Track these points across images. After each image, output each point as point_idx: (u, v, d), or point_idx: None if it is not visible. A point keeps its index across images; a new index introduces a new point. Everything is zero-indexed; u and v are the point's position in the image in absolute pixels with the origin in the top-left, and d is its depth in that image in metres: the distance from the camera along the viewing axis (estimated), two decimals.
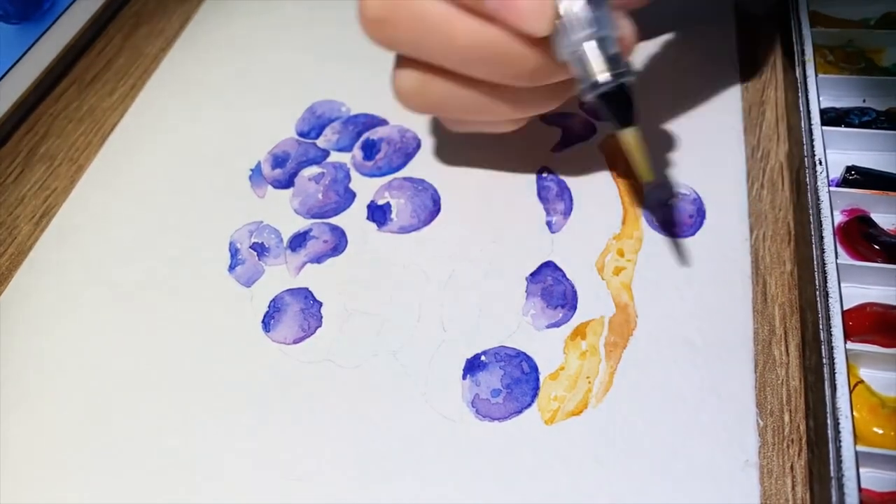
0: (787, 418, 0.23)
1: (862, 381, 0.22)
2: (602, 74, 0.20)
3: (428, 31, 0.22)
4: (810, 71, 0.28)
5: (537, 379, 0.25)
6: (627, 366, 0.24)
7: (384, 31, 0.23)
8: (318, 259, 0.29)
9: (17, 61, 0.36)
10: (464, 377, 0.25)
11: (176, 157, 0.34)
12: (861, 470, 0.20)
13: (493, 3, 0.20)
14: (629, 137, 0.21)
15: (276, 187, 0.32)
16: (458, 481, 0.23)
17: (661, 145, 0.30)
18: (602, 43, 0.20)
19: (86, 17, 0.40)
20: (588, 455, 0.23)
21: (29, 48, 0.37)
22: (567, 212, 0.29)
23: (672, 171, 0.30)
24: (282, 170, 0.33)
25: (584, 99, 0.21)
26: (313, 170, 0.32)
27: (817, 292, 0.23)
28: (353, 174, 0.32)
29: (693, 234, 0.28)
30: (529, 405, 0.24)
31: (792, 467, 0.22)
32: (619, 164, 0.30)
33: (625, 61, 0.20)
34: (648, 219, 0.28)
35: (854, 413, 0.21)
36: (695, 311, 0.25)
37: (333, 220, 0.30)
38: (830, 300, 0.22)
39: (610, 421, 0.23)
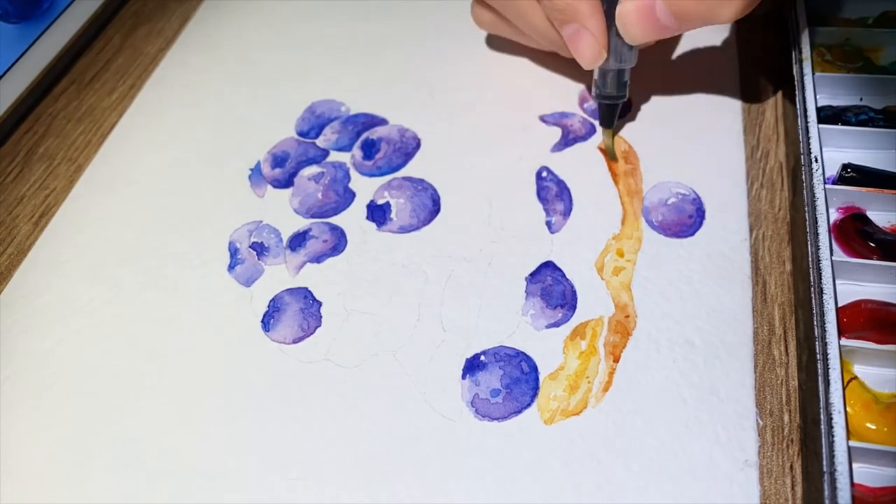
0: (786, 418, 0.23)
1: (856, 378, 0.22)
2: (613, 91, 0.29)
3: (515, 8, 0.30)
4: (807, 69, 0.28)
5: (537, 379, 0.25)
6: (627, 366, 0.24)
7: None
8: (318, 259, 0.29)
9: (17, 61, 0.36)
10: (463, 377, 0.25)
11: (175, 157, 0.34)
12: (854, 465, 0.20)
13: (568, 32, 0.27)
14: (608, 133, 0.31)
15: (275, 187, 0.32)
16: (458, 481, 0.23)
17: (661, 145, 0.30)
18: (622, 73, 0.28)
19: (85, 16, 0.40)
20: (587, 455, 0.23)
21: (28, 48, 0.37)
22: (567, 212, 0.29)
23: (672, 171, 0.30)
24: (281, 169, 0.33)
25: (592, 96, 0.30)
26: (313, 169, 0.32)
27: (812, 289, 0.23)
28: (353, 174, 0.32)
29: (692, 234, 0.28)
30: (529, 405, 0.24)
31: (791, 467, 0.22)
32: (618, 165, 0.30)
33: (626, 87, 0.29)
34: (648, 219, 0.28)
35: (847, 409, 0.21)
36: (694, 311, 0.25)
37: (333, 220, 0.30)
38: (825, 296, 0.22)
39: (609, 421, 0.23)
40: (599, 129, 0.31)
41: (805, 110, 0.27)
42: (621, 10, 0.26)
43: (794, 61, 0.29)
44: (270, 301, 0.28)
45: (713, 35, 0.35)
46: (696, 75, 0.33)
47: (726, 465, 0.22)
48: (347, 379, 0.25)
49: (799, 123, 0.27)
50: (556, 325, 0.26)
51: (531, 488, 0.22)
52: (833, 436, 0.20)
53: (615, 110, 0.30)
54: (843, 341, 0.22)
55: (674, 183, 0.29)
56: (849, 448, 0.20)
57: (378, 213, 0.30)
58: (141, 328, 0.28)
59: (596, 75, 0.29)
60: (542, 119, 0.32)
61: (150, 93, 0.38)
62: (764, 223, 0.28)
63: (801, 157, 0.26)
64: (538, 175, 0.30)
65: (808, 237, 0.24)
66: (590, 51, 0.27)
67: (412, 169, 0.32)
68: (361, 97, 0.35)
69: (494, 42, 0.37)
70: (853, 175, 0.26)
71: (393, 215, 0.30)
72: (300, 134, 0.34)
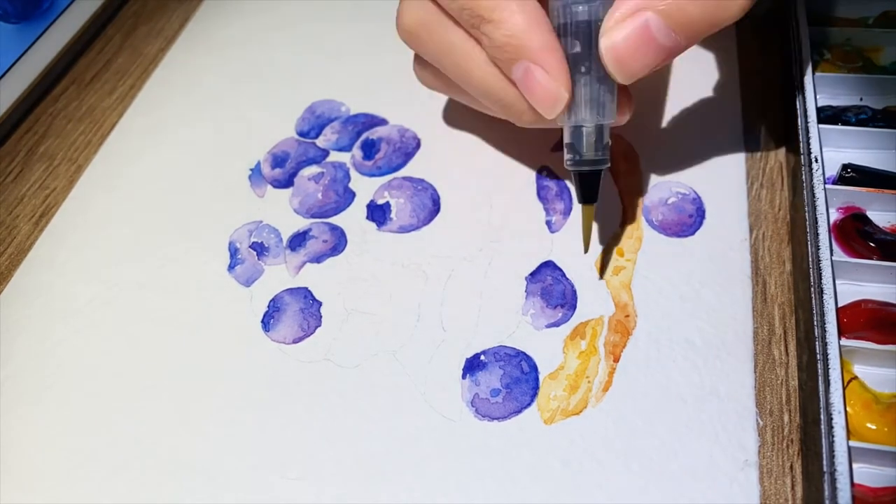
0: (786, 418, 0.23)
1: (856, 378, 0.22)
2: (591, 154, 0.23)
3: (449, 59, 0.24)
4: (807, 69, 0.28)
5: (537, 378, 0.25)
6: (627, 365, 0.24)
7: (412, 42, 0.26)
8: (318, 259, 0.29)
9: (17, 61, 0.36)
10: (463, 377, 0.25)
11: (175, 157, 0.34)
12: (854, 465, 0.20)
13: (518, 73, 0.22)
14: (587, 211, 0.25)
15: (275, 187, 0.32)
16: (458, 481, 0.23)
17: (661, 145, 0.30)
18: (601, 130, 0.23)
19: (85, 16, 0.40)
20: (587, 455, 0.23)
21: (28, 48, 0.37)
22: (567, 211, 0.29)
23: (672, 171, 0.30)
24: (281, 169, 0.33)
25: (565, 165, 0.24)
26: (313, 169, 0.32)
27: (812, 289, 0.23)
28: (353, 174, 0.32)
29: (693, 233, 0.28)
30: (529, 405, 0.24)
31: (791, 467, 0.22)
32: (618, 165, 0.30)
33: (608, 150, 0.23)
34: (648, 219, 0.28)
35: (847, 409, 0.21)
36: (694, 310, 0.25)
37: (333, 220, 0.30)
38: (825, 296, 0.22)
39: (609, 421, 0.23)
40: None
41: (805, 110, 0.27)
42: (607, 44, 0.21)
43: (794, 61, 0.29)
44: (270, 301, 0.28)
45: (713, 35, 0.34)
46: (696, 75, 0.33)
47: (726, 465, 0.22)
48: (347, 379, 0.25)
49: (799, 123, 0.27)
50: (556, 324, 0.26)
51: (531, 488, 0.22)
52: (833, 436, 0.20)
53: (597, 180, 0.24)
54: (844, 341, 0.22)
55: (674, 182, 0.29)
56: (849, 448, 0.20)
57: (378, 213, 0.30)
58: (141, 328, 0.28)
59: (567, 136, 0.23)
60: None
61: (150, 93, 0.38)
62: (764, 223, 0.28)
63: (801, 157, 0.26)
64: (538, 175, 0.30)
65: (808, 237, 0.24)
66: (546, 93, 0.22)
67: (412, 169, 0.32)
68: (361, 97, 0.35)
69: None
70: (853, 175, 0.26)
71: (393, 215, 0.30)
72: (300, 134, 0.34)
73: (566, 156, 0.24)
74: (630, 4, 0.20)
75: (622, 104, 0.24)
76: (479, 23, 0.22)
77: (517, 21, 0.21)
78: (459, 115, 0.33)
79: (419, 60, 0.28)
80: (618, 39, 0.21)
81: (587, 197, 0.24)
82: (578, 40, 0.22)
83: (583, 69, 0.22)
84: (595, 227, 0.28)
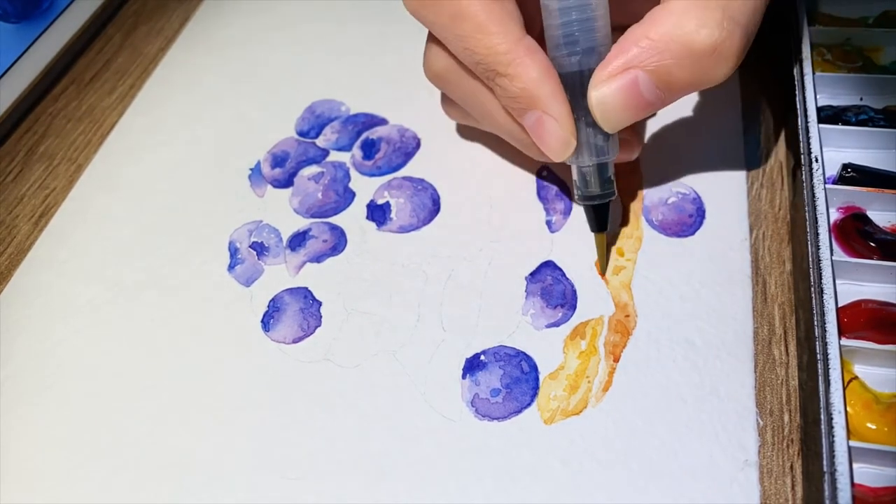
0: (786, 418, 0.23)
1: (856, 378, 0.22)
2: (597, 190, 0.25)
3: (472, 101, 0.26)
4: (807, 69, 0.28)
5: (537, 378, 0.25)
6: (627, 365, 0.24)
7: (438, 84, 0.28)
8: (318, 258, 0.29)
9: (17, 60, 0.36)
10: (463, 377, 0.25)
11: (175, 157, 0.34)
12: (854, 465, 0.20)
13: (529, 121, 0.24)
14: (600, 239, 0.27)
15: (275, 187, 0.32)
16: (458, 481, 0.23)
17: (661, 145, 0.30)
18: (603, 168, 0.25)
19: (85, 16, 0.40)
20: (587, 455, 0.23)
21: (28, 47, 0.37)
22: (567, 211, 0.29)
23: (672, 171, 0.30)
24: (281, 169, 0.33)
25: (575, 201, 0.27)
26: (313, 169, 0.32)
27: (812, 289, 0.23)
28: (353, 173, 0.32)
29: (693, 233, 0.28)
30: (529, 405, 0.24)
31: (791, 467, 0.22)
32: (618, 165, 0.30)
33: (613, 183, 0.25)
34: (648, 218, 0.28)
35: (848, 409, 0.21)
36: (694, 310, 0.25)
37: (333, 220, 0.30)
38: (825, 296, 0.22)
39: (609, 421, 0.23)
40: None
41: (805, 110, 0.27)
42: (597, 96, 0.22)
43: (794, 61, 0.29)
44: (270, 301, 0.28)
45: None
46: None
47: (726, 465, 0.22)
48: (347, 379, 0.25)
49: (799, 123, 0.27)
50: (556, 324, 0.26)
51: (531, 488, 0.22)
52: (833, 436, 0.20)
53: (605, 211, 0.26)
54: (844, 341, 0.22)
55: (674, 182, 0.29)
56: (849, 448, 0.20)
57: (378, 213, 0.30)
58: (141, 328, 0.28)
59: (575, 175, 0.25)
60: None
61: (150, 92, 0.38)
62: (764, 223, 0.28)
63: (801, 156, 0.26)
64: (538, 175, 0.30)
65: (809, 237, 0.24)
66: (555, 139, 0.23)
67: (412, 169, 0.32)
68: (361, 97, 0.35)
69: None
70: (853, 175, 0.26)
71: (393, 215, 0.30)
72: (300, 134, 0.34)
73: (574, 191, 0.26)
74: (620, 62, 0.22)
75: (628, 143, 0.27)
76: (493, 76, 0.23)
77: (531, 75, 0.23)
78: None
79: (446, 98, 0.29)
80: (607, 93, 0.22)
81: (598, 226, 0.26)
82: (569, 89, 0.23)
83: (575, 116, 0.24)
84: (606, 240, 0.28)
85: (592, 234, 0.27)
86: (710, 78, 0.22)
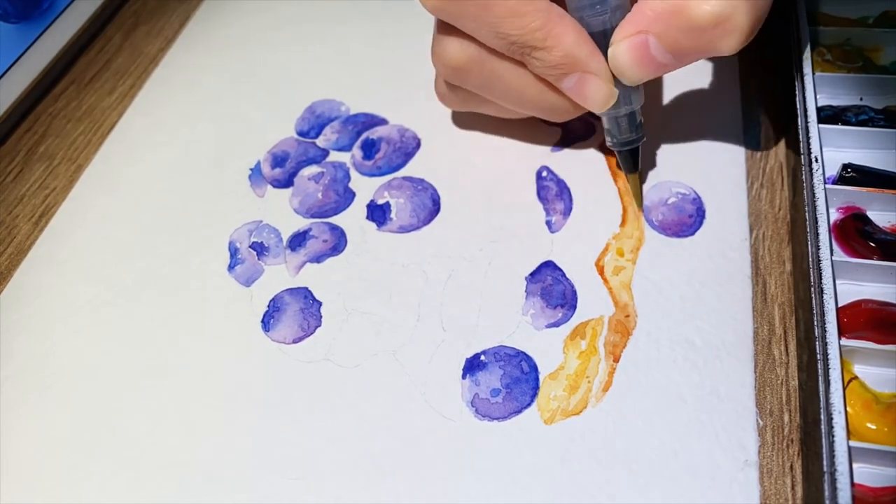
0: (786, 418, 0.23)
1: (856, 378, 0.22)
2: (630, 135, 0.27)
3: (499, 86, 0.27)
4: (807, 69, 0.28)
5: (537, 378, 0.25)
6: (627, 365, 0.24)
7: (459, 78, 0.27)
8: (318, 259, 0.29)
9: (17, 60, 0.36)
10: (463, 377, 0.25)
11: (175, 157, 0.34)
12: (854, 465, 0.20)
13: (570, 84, 0.25)
14: (634, 179, 0.28)
15: (275, 187, 0.32)
16: (458, 481, 0.23)
17: (661, 145, 0.30)
18: (632, 115, 0.27)
19: (85, 16, 0.40)
20: (587, 455, 0.23)
21: (28, 47, 0.37)
22: (567, 211, 0.29)
23: (672, 171, 0.30)
24: (281, 169, 0.33)
25: (609, 146, 0.28)
26: (313, 169, 0.32)
27: (812, 289, 0.23)
28: (353, 173, 0.32)
29: (693, 233, 0.28)
30: (529, 405, 0.24)
31: (791, 467, 0.22)
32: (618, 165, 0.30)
33: (642, 127, 0.27)
34: (648, 218, 0.28)
35: (848, 409, 0.21)
36: (695, 310, 0.25)
37: (333, 220, 0.30)
38: (825, 296, 0.22)
39: (609, 421, 0.23)
40: (599, 128, 0.31)
41: (805, 110, 0.27)
42: (613, 52, 0.24)
43: (793, 61, 0.29)
44: (270, 301, 0.28)
45: None
46: (696, 75, 0.33)
47: (726, 465, 0.22)
48: (347, 379, 0.25)
49: (799, 123, 0.27)
50: (557, 324, 0.26)
51: (531, 488, 0.22)
52: (833, 436, 0.20)
53: (637, 153, 0.28)
54: (844, 341, 0.22)
55: (674, 182, 0.29)
56: (849, 448, 0.20)
57: (378, 213, 0.30)
58: (141, 328, 0.28)
59: (607, 124, 0.27)
60: (543, 119, 0.32)
61: (150, 92, 0.38)
62: (764, 223, 0.28)
63: (801, 157, 0.26)
64: (538, 175, 0.30)
65: (809, 237, 0.24)
66: (599, 94, 0.25)
67: (412, 169, 0.32)
68: (361, 97, 0.35)
69: None
70: (853, 175, 0.26)
71: (393, 215, 0.30)
72: (300, 134, 0.34)
73: (607, 139, 0.27)
74: (633, 26, 0.23)
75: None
76: (529, 52, 0.24)
77: (568, 41, 0.24)
78: (459, 115, 0.33)
79: (450, 86, 0.29)
80: (622, 49, 0.24)
81: (630, 168, 0.28)
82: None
83: None
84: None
85: (591, 234, 0.27)
86: (718, 49, 0.23)
